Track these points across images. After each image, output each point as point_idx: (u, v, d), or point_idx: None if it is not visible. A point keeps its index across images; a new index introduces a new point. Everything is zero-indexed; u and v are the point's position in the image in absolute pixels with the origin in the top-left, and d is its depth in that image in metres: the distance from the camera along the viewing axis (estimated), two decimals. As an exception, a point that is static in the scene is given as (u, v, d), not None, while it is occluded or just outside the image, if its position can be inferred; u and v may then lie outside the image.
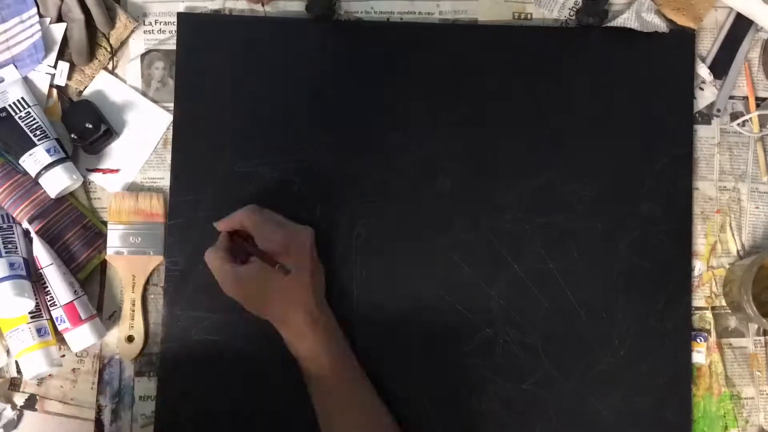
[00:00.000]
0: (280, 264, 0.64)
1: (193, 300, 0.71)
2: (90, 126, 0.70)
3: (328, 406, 0.66)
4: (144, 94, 0.74)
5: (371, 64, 0.73)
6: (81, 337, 0.68)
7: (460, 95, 0.73)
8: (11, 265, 0.66)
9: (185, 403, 0.70)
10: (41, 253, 0.68)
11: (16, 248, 0.68)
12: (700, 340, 0.72)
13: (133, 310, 0.71)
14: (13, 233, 0.69)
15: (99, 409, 0.71)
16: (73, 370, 0.71)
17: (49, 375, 0.71)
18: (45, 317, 0.68)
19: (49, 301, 0.68)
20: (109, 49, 0.73)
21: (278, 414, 0.70)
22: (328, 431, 0.65)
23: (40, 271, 0.68)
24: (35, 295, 0.67)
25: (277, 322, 0.66)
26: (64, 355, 0.71)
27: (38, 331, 0.68)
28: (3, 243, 0.67)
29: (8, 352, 0.70)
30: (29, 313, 0.68)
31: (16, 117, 0.69)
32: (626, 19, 0.72)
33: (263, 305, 0.67)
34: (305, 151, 0.72)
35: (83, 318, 0.68)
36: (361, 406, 0.66)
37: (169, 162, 0.72)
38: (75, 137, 0.70)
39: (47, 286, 0.68)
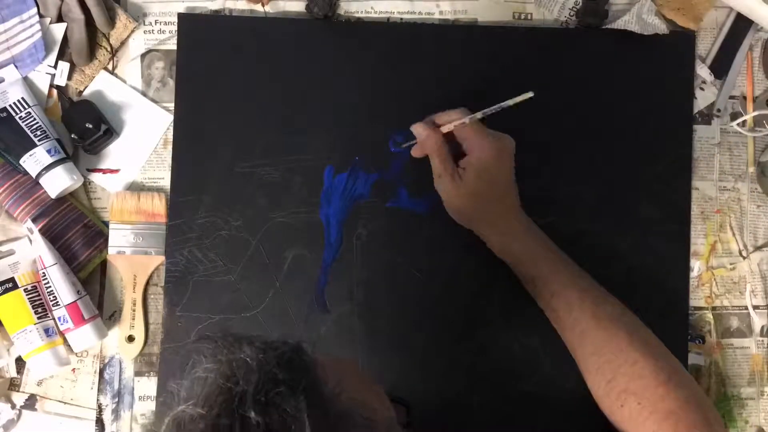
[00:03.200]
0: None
1: (193, 300, 0.71)
2: (90, 126, 0.70)
3: (548, 302, 0.66)
4: (144, 94, 0.74)
5: (371, 64, 0.73)
6: (83, 337, 0.68)
7: (460, 95, 0.73)
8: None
9: (185, 403, 0.70)
10: (44, 253, 0.68)
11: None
12: (699, 342, 0.72)
13: (134, 310, 0.71)
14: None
15: (99, 409, 0.71)
16: (73, 370, 0.71)
17: (50, 375, 0.71)
18: (50, 317, 0.69)
19: (52, 300, 0.68)
20: (109, 49, 0.73)
21: (278, 414, 0.70)
22: (565, 329, 0.65)
23: (44, 270, 0.68)
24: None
25: (490, 228, 0.67)
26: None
27: (46, 331, 0.68)
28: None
29: (9, 351, 0.70)
30: (36, 314, 0.68)
31: (17, 117, 0.69)
32: (626, 22, 0.72)
33: (476, 214, 0.67)
34: (305, 151, 0.72)
35: (86, 318, 0.68)
36: (591, 294, 0.65)
37: (169, 162, 0.72)
38: (75, 137, 0.70)
39: (50, 286, 0.68)
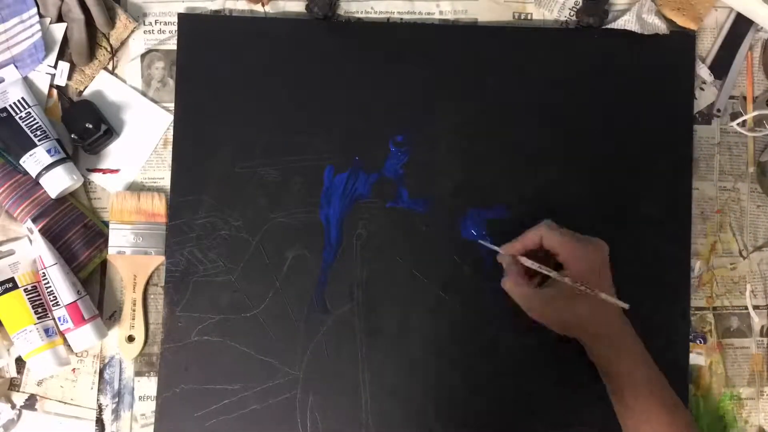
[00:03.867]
0: (614, 299, 0.63)
1: (193, 300, 0.71)
2: (90, 126, 0.70)
3: (637, 419, 0.64)
4: (144, 94, 0.74)
5: (371, 64, 0.73)
6: (83, 337, 0.68)
7: (460, 95, 0.73)
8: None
9: (185, 402, 0.70)
10: (45, 253, 0.68)
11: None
12: (699, 342, 0.72)
13: (134, 310, 0.71)
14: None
15: (99, 409, 0.71)
16: (73, 370, 0.71)
17: (50, 375, 0.71)
18: (50, 317, 0.69)
19: (52, 301, 0.68)
20: (109, 49, 0.73)
21: (278, 413, 0.70)
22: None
23: (44, 270, 0.68)
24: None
25: (592, 339, 0.65)
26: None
27: (46, 331, 0.68)
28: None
29: (9, 351, 0.70)
30: (36, 314, 0.68)
31: (17, 117, 0.69)
32: (627, 22, 0.72)
33: (575, 325, 0.65)
34: (305, 151, 0.72)
35: (86, 318, 0.68)
36: (673, 420, 0.63)
37: (169, 162, 0.72)
38: (75, 137, 0.70)
39: (50, 286, 0.68)
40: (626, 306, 0.63)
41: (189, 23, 0.73)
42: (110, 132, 0.71)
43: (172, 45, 0.73)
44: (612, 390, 0.66)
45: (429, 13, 0.75)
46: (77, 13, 0.70)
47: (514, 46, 0.74)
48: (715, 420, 0.72)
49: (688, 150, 0.74)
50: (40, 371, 0.68)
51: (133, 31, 0.73)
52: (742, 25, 0.75)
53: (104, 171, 0.73)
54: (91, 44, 0.72)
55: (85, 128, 0.70)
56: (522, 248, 0.66)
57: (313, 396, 0.70)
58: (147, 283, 0.72)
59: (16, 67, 0.72)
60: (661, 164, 0.73)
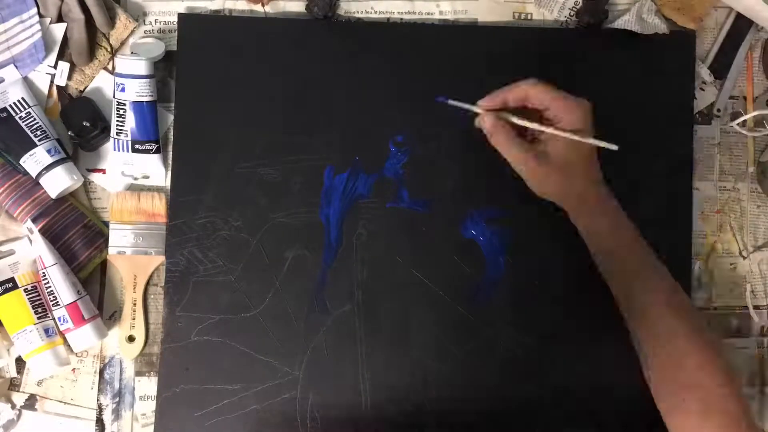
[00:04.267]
0: (603, 143, 0.62)
1: (193, 300, 0.71)
2: (87, 124, 0.70)
3: (625, 278, 0.65)
4: (144, 94, 0.74)
5: (371, 64, 0.73)
6: (83, 337, 0.68)
7: (460, 96, 0.73)
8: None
9: (185, 402, 0.70)
10: (44, 253, 0.68)
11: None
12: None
13: (134, 310, 0.71)
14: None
15: (100, 409, 0.71)
16: (74, 370, 0.71)
17: (50, 375, 0.71)
18: (50, 317, 0.69)
19: (52, 301, 0.68)
20: (109, 49, 0.73)
21: (278, 414, 0.70)
22: (628, 308, 0.64)
23: (44, 270, 0.68)
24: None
25: (577, 199, 0.65)
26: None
27: (46, 331, 0.68)
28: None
29: (9, 351, 0.70)
30: (36, 314, 0.68)
31: (17, 117, 0.69)
32: (627, 22, 0.72)
33: (563, 183, 0.65)
34: (305, 151, 0.72)
35: (86, 318, 0.68)
36: (661, 282, 0.64)
37: (170, 162, 0.72)
38: (72, 134, 0.70)
39: (50, 286, 0.68)
40: (615, 147, 0.61)
41: (189, 23, 0.73)
42: (108, 130, 0.71)
43: (173, 45, 0.73)
44: (602, 258, 0.66)
45: (429, 13, 0.75)
46: (77, 13, 0.70)
47: (514, 46, 0.74)
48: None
49: (688, 150, 0.74)
50: (40, 371, 0.68)
51: (133, 31, 0.73)
52: (742, 25, 0.75)
53: (104, 171, 0.73)
54: (91, 44, 0.72)
55: (82, 126, 0.70)
56: (502, 103, 0.64)
57: (313, 396, 0.70)
58: (147, 283, 0.72)
59: (16, 67, 0.72)
60: (661, 164, 0.73)
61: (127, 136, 0.70)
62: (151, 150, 0.70)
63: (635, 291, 0.64)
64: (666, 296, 0.63)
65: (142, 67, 0.69)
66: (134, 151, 0.70)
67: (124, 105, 0.69)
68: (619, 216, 0.65)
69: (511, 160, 0.65)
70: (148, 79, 0.70)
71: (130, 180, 0.72)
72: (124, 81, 0.69)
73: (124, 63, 0.69)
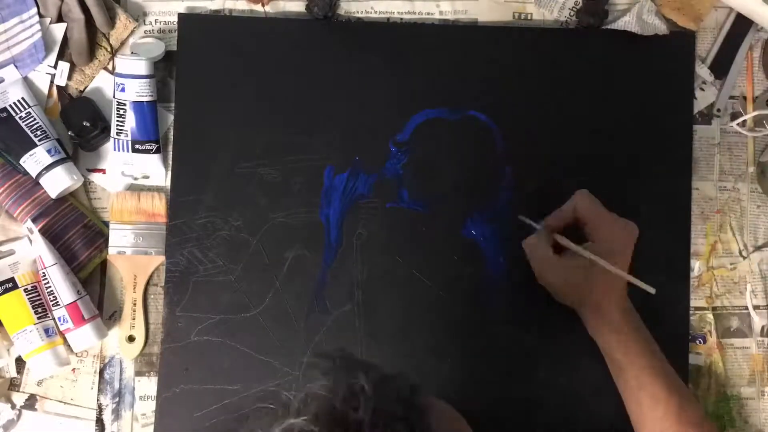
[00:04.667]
0: (640, 282, 0.63)
1: (193, 300, 0.71)
2: (87, 124, 0.70)
3: (633, 393, 0.65)
4: (144, 94, 0.74)
5: (371, 64, 0.73)
6: (83, 337, 0.68)
7: (460, 96, 0.73)
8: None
9: (185, 402, 0.70)
10: (44, 253, 0.68)
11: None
12: (699, 342, 0.72)
13: (134, 310, 0.71)
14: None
15: (100, 409, 0.71)
16: (73, 370, 0.71)
17: (50, 375, 0.71)
18: (50, 317, 0.68)
19: (52, 301, 0.68)
20: (109, 49, 0.73)
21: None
22: (637, 419, 0.65)
23: (44, 270, 0.68)
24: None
25: (589, 312, 0.66)
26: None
27: (46, 331, 0.68)
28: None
29: (9, 351, 0.70)
30: (36, 314, 0.68)
31: (17, 117, 0.69)
32: (627, 23, 0.72)
33: (580, 296, 0.66)
34: (305, 151, 0.72)
35: (86, 318, 0.68)
36: (668, 393, 0.64)
37: (170, 162, 0.72)
38: (72, 134, 0.70)
39: (50, 286, 0.68)
40: (652, 290, 0.63)
41: (189, 23, 0.73)
42: (108, 130, 0.71)
43: (173, 45, 0.73)
44: (613, 373, 0.67)
45: (429, 13, 0.75)
46: (77, 13, 0.70)
47: (514, 46, 0.74)
48: (715, 420, 0.72)
49: (688, 150, 0.74)
50: (40, 371, 0.68)
51: (133, 31, 0.73)
52: (742, 25, 0.75)
53: (104, 171, 0.73)
54: (91, 44, 0.72)
55: (82, 126, 0.70)
56: (561, 224, 0.66)
57: (313, 396, 0.70)
58: (147, 283, 0.72)
59: (16, 67, 0.72)
60: (661, 164, 0.73)
61: (127, 136, 0.70)
62: (151, 150, 0.70)
63: (645, 407, 0.64)
64: (677, 412, 0.63)
65: (142, 67, 0.69)
66: (134, 151, 0.70)
67: (124, 105, 0.69)
68: (633, 332, 0.65)
69: (533, 261, 0.67)
70: (148, 79, 0.70)
71: (130, 180, 0.72)
72: (124, 81, 0.69)
73: (124, 63, 0.69)
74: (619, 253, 0.65)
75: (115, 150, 0.70)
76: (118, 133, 0.70)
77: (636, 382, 0.64)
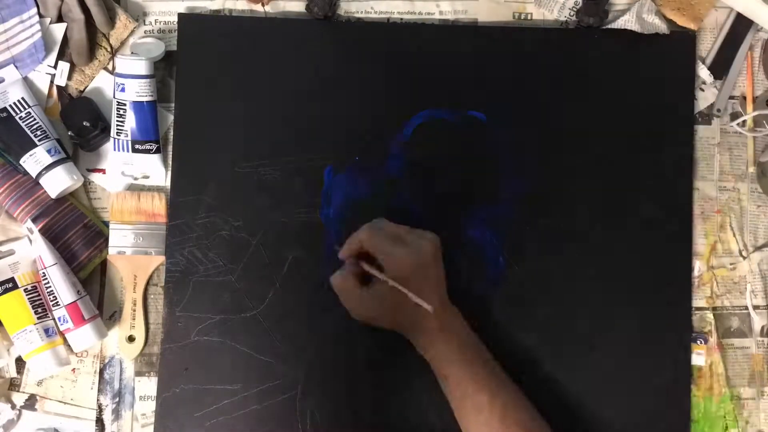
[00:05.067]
0: (420, 300, 0.62)
1: (193, 300, 0.71)
2: (87, 124, 0.70)
3: (459, 403, 0.65)
4: (144, 94, 0.74)
5: (371, 64, 0.73)
6: (83, 337, 0.68)
7: (460, 96, 0.73)
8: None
9: (185, 402, 0.70)
10: (45, 253, 0.68)
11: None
12: (700, 342, 0.72)
13: (134, 310, 0.71)
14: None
15: (100, 409, 0.71)
16: (73, 370, 0.71)
17: (50, 375, 0.71)
18: (50, 317, 0.68)
19: (52, 301, 0.68)
20: (109, 49, 0.73)
21: (278, 413, 0.70)
22: (464, 426, 0.65)
23: (44, 270, 0.68)
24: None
25: (408, 331, 0.66)
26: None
27: (46, 331, 0.68)
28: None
29: (9, 351, 0.70)
30: (36, 314, 0.68)
31: (17, 117, 0.69)
32: (627, 21, 0.72)
33: (394, 321, 0.66)
34: (305, 151, 0.72)
35: (86, 318, 0.68)
36: (501, 397, 0.64)
37: (170, 162, 0.72)
38: (72, 134, 0.70)
39: (50, 286, 0.68)
40: (429, 308, 0.62)
41: (189, 23, 0.73)
42: (108, 130, 0.71)
43: (173, 45, 0.73)
44: (441, 384, 0.66)
45: (429, 13, 0.75)
46: (77, 13, 0.70)
47: (514, 46, 0.74)
48: (716, 420, 0.72)
49: (689, 150, 0.74)
50: (40, 371, 0.68)
51: (133, 31, 0.73)
52: (742, 25, 0.75)
53: (104, 171, 0.73)
54: (91, 44, 0.72)
55: (82, 126, 0.70)
56: (352, 251, 0.66)
57: (313, 396, 0.70)
58: (147, 283, 0.72)
59: (16, 67, 0.72)
60: (661, 164, 0.73)
61: (127, 136, 0.70)
62: (151, 150, 0.70)
63: (471, 414, 0.64)
64: (500, 414, 0.63)
65: (142, 67, 0.69)
66: (134, 151, 0.70)
67: (124, 105, 0.69)
68: (449, 342, 0.65)
69: (340, 297, 0.67)
70: (148, 79, 0.70)
71: (130, 180, 0.72)
72: (124, 81, 0.69)
73: (125, 63, 0.69)
74: (414, 272, 0.64)
75: (115, 150, 0.70)
76: (118, 133, 0.70)
77: (459, 392, 0.64)
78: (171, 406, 0.70)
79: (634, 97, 0.73)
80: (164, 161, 0.72)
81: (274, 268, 0.71)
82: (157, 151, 0.71)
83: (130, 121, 0.70)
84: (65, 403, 0.71)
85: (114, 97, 0.70)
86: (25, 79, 0.72)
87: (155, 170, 0.71)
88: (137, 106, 0.70)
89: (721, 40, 0.75)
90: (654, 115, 0.73)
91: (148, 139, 0.70)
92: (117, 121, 0.70)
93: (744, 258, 0.74)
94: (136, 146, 0.70)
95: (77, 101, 0.72)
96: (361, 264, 0.66)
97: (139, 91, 0.69)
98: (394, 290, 0.63)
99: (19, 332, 0.67)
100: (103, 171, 0.73)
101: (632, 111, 0.73)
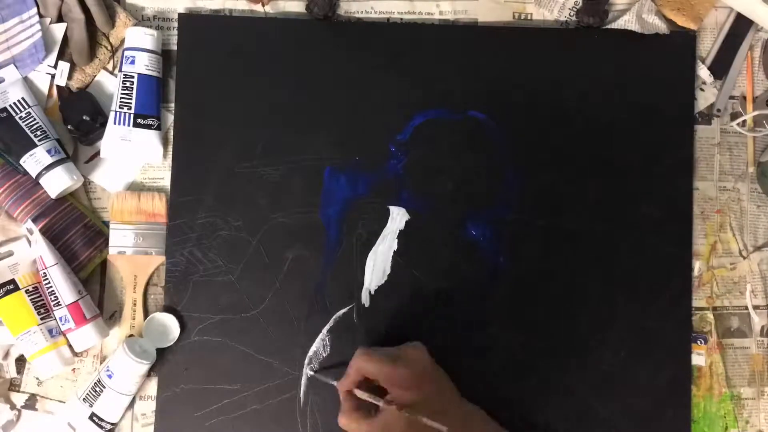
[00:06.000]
0: (432, 422, 0.61)
1: (193, 300, 0.71)
2: (87, 118, 0.70)
3: None
4: (144, 94, 0.73)
5: (371, 64, 0.73)
6: (85, 337, 0.68)
7: (460, 96, 0.73)
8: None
9: (185, 402, 0.70)
10: (45, 253, 0.68)
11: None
12: (700, 342, 0.72)
13: (135, 310, 0.71)
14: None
15: (99, 409, 0.71)
16: (74, 370, 0.71)
17: (55, 375, 0.71)
18: (52, 317, 0.68)
19: (53, 301, 0.68)
20: (109, 48, 0.73)
21: (278, 413, 0.70)
22: None
23: (45, 270, 0.68)
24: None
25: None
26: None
27: (50, 332, 0.68)
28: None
29: (8, 352, 0.70)
30: (38, 314, 0.68)
31: (17, 117, 0.69)
32: (627, 21, 0.72)
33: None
34: (305, 151, 0.72)
35: (87, 318, 0.68)
36: None
37: (169, 162, 0.72)
38: (71, 128, 0.70)
39: (51, 286, 0.68)
40: (444, 429, 0.61)
41: (189, 23, 0.73)
42: (106, 124, 0.71)
43: (172, 45, 0.73)
44: None
45: (429, 13, 0.75)
46: (77, 13, 0.70)
47: (514, 46, 0.74)
48: (716, 420, 0.72)
49: (689, 150, 0.74)
50: (46, 371, 0.68)
51: (133, 31, 0.73)
52: (742, 25, 0.75)
53: (92, 157, 0.72)
54: (91, 44, 0.72)
55: (81, 120, 0.70)
56: (353, 383, 0.64)
57: (313, 396, 0.70)
58: (147, 283, 0.72)
59: (16, 67, 0.72)
60: (661, 164, 0.73)
61: (130, 109, 0.70)
62: (153, 126, 0.70)
63: None
64: None
65: (153, 42, 0.70)
66: (135, 125, 0.70)
67: (132, 77, 0.69)
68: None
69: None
70: (156, 56, 0.70)
71: (123, 152, 0.71)
72: (134, 54, 0.70)
73: (136, 35, 0.70)
74: (415, 385, 0.63)
75: (114, 123, 0.70)
76: (120, 107, 0.70)
77: None
78: (171, 406, 0.70)
79: (634, 97, 0.73)
80: (162, 140, 0.72)
81: (274, 268, 0.71)
82: (158, 128, 0.71)
83: (136, 94, 0.70)
84: (65, 403, 0.71)
85: (120, 70, 0.70)
86: (25, 79, 0.72)
87: (153, 147, 0.71)
88: (145, 79, 0.70)
89: (721, 40, 0.75)
90: (654, 115, 0.73)
91: (151, 114, 0.70)
92: (122, 94, 0.70)
93: (744, 258, 0.74)
94: (138, 120, 0.70)
95: (77, 95, 0.72)
96: (357, 393, 0.64)
97: (148, 64, 0.70)
98: (401, 417, 0.62)
99: (23, 334, 0.67)
100: (97, 154, 0.72)
101: (632, 111, 0.73)
